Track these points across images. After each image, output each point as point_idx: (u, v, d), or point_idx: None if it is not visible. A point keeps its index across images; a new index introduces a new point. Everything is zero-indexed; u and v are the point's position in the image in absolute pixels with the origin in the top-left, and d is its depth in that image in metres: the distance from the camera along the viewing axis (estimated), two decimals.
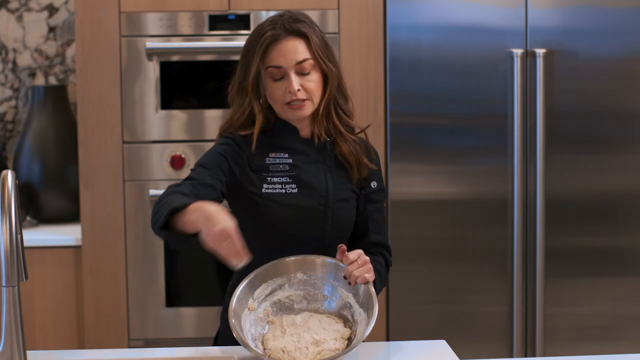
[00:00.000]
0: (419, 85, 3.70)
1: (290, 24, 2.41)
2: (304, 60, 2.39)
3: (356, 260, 2.31)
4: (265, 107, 2.46)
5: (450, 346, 2.50)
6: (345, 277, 2.33)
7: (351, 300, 2.34)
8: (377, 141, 3.66)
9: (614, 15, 3.69)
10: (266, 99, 2.46)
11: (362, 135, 2.55)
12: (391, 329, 3.74)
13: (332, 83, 2.43)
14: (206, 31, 3.75)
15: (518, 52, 3.66)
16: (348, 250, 2.38)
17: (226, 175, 2.40)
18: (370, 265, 2.32)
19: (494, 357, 3.65)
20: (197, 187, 2.30)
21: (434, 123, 3.72)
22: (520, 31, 3.68)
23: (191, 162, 3.76)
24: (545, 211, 3.71)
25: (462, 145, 3.72)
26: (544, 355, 3.74)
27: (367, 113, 3.70)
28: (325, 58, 2.41)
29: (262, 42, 2.40)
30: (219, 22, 3.74)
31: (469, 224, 3.73)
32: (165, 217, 2.16)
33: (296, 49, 2.39)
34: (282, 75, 2.40)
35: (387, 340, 3.72)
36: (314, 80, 2.41)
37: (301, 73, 2.40)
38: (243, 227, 2.32)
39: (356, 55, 3.72)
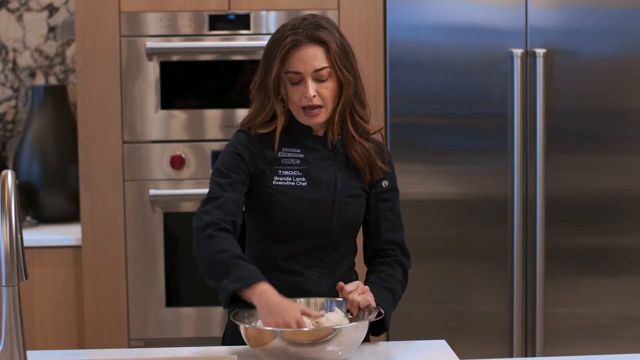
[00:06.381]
0: (419, 85, 3.70)
1: (312, 31, 2.44)
2: (322, 68, 2.44)
3: (355, 290, 2.36)
4: (283, 106, 2.52)
5: (450, 346, 2.50)
6: (347, 310, 2.37)
7: None
8: None
9: (614, 15, 3.69)
10: (284, 100, 2.51)
11: (377, 136, 2.59)
12: (391, 329, 3.73)
13: (347, 91, 2.48)
14: (206, 31, 3.75)
15: (518, 52, 3.66)
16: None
17: (245, 173, 2.48)
18: (369, 292, 2.37)
19: (494, 357, 3.65)
20: (231, 214, 2.41)
21: (434, 123, 3.72)
22: (520, 31, 3.68)
23: (191, 162, 3.76)
24: (545, 211, 3.71)
25: (462, 145, 3.72)
26: (544, 355, 3.74)
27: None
28: (342, 67, 2.46)
29: (283, 46, 2.45)
30: (219, 22, 3.74)
31: (469, 224, 3.73)
32: (228, 298, 2.31)
33: (315, 57, 2.44)
34: (299, 80, 2.45)
35: (387, 340, 3.72)
36: (329, 88, 2.46)
37: (318, 80, 2.44)
38: (254, 218, 2.53)
39: (356, 55, 3.70)
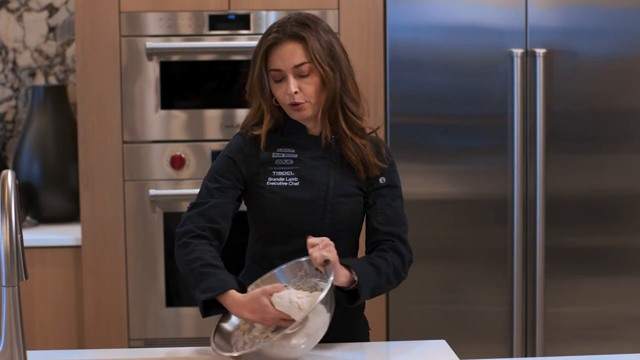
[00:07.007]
0: (419, 85, 3.70)
1: (293, 28, 2.46)
2: (302, 64, 2.45)
3: (318, 244, 2.32)
4: (277, 106, 2.53)
5: (450, 346, 2.50)
6: (317, 269, 2.35)
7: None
8: None
9: (614, 15, 3.69)
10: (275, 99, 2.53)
11: (374, 134, 2.59)
12: (391, 329, 3.74)
13: (329, 87, 2.47)
14: (206, 31, 3.75)
15: (518, 52, 3.66)
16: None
17: (237, 177, 2.51)
18: (331, 248, 2.31)
19: (494, 357, 3.65)
20: (213, 221, 2.45)
21: (434, 123, 3.72)
22: (520, 31, 3.69)
23: (191, 162, 3.76)
24: (545, 211, 3.71)
25: (462, 145, 3.72)
26: (544, 355, 3.74)
27: (367, 113, 3.69)
28: (323, 62, 2.45)
29: (264, 45, 2.48)
30: (219, 22, 3.75)
31: (469, 224, 3.73)
32: (202, 308, 2.37)
33: (294, 53, 2.45)
34: (282, 77, 2.47)
35: (387, 340, 3.72)
36: (312, 83, 2.46)
37: (300, 75, 2.45)
38: (252, 219, 2.56)
39: (356, 55, 3.71)
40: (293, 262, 2.42)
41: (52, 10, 4.28)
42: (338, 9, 3.74)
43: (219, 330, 2.39)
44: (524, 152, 3.71)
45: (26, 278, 2.04)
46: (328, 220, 2.49)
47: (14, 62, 4.29)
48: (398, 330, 3.72)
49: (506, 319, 3.75)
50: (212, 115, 3.78)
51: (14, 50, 4.28)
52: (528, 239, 3.73)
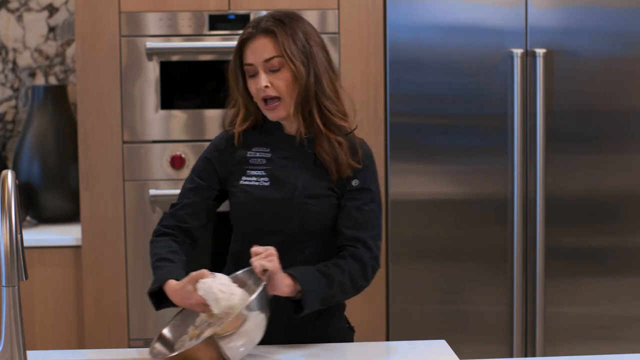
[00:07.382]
0: (419, 85, 3.70)
1: (267, 23, 2.48)
2: (271, 58, 2.45)
3: (261, 254, 2.32)
4: (244, 100, 2.55)
5: (450, 346, 2.50)
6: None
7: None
8: (377, 141, 3.66)
9: (614, 15, 3.69)
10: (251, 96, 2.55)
11: (352, 135, 2.54)
12: (391, 329, 3.74)
13: (301, 82, 2.46)
14: (206, 31, 3.75)
15: (518, 52, 3.66)
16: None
17: (212, 178, 2.57)
18: (273, 257, 2.30)
19: (494, 357, 3.65)
20: (183, 221, 2.57)
21: (434, 123, 3.72)
22: (520, 31, 3.69)
23: (191, 162, 3.76)
24: (545, 211, 3.71)
25: (462, 145, 3.72)
26: (544, 355, 3.74)
27: (367, 113, 3.70)
28: (293, 57, 2.45)
29: (239, 39, 2.51)
30: (219, 22, 3.75)
31: (469, 224, 3.73)
32: (153, 298, 2.42)
33: (264, 47, 2.46)
34: (255, 72, 2.48)
35: (387, 340, 3.72)
36: (283, 79, 2.46)
37: (271, 70, 2.46)
38: (231, 217, 2.58)
39: (356, 55, 3.72)
40: (232, 275, 2.40)
41: (52, 10, 4.28)
42: (338, 9, 3.74)
43: (161, 338, 2.38)
44: (524, 152, 3.71)
45: (26, 278, 2.04)
46: (297, 220, 2.47)
47: (14, 62, 4.29)
48: (398, 330, 3.72)
49: (506, 319, 3.75)
50: (212, 115, 3.78)
51: (14, 50, 4.28)
52: (528, 239, 3.73)
